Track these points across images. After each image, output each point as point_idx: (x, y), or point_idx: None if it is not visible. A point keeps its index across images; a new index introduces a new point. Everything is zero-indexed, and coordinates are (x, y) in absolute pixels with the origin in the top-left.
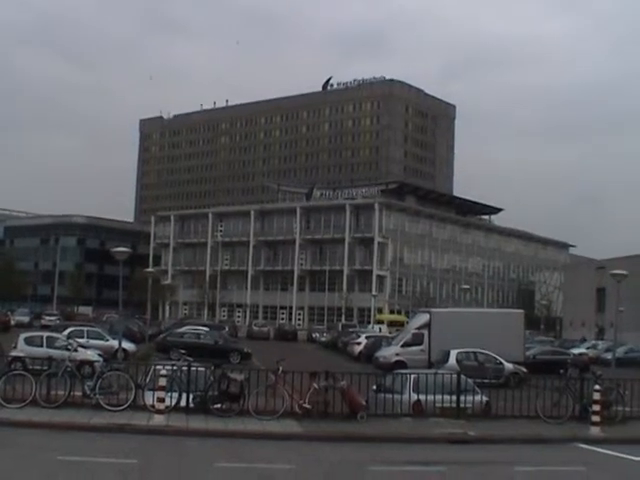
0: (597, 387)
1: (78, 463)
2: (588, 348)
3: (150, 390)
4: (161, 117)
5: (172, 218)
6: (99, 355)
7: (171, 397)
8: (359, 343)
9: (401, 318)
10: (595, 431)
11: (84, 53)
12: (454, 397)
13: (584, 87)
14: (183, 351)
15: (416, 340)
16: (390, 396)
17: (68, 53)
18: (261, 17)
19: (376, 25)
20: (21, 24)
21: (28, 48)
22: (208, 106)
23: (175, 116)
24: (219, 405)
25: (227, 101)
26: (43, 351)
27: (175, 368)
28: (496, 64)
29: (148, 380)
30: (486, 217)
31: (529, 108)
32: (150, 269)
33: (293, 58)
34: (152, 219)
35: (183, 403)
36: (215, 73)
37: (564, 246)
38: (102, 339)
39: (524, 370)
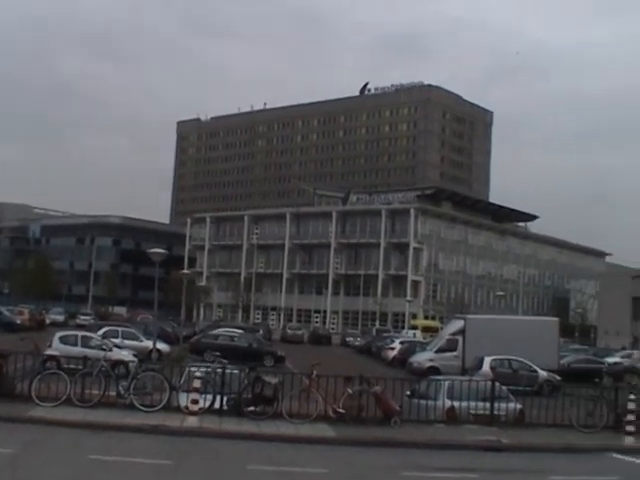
0: (632, 396)
1: (111, 462)
2: (623, 357)
3: (184, 391)
4: (198, 119)
5: (208, 220)
6: (133, 355)
7: (205, 399)
8: (393, 348)
9: (435, 324)
10: (629, 441)
11: (124, 53)
12: (488, 404)
13: (623, 93)
14: (217, 353)
15: (450, 346)
16: (424, 402)
17: (107, 52)
18: (300, 20)
19: (415, 30)
20: (62, 23)
21: (69, 47)
22: (246, 108)
23: (212, 118)
24: (253, 408)
25: (265, 104)
26: (78, 350)
27: (209, 370)
28: (535, 70)
29: (182, 381)
30: (522, 224)
31: (567, 114)
32: (185, 271)
33: (331, 62)
34: (188, 221)
35: (217, 405)
36: (254, 75)
37: (600, 254)
38: (136, 339)
39: (558, 378)
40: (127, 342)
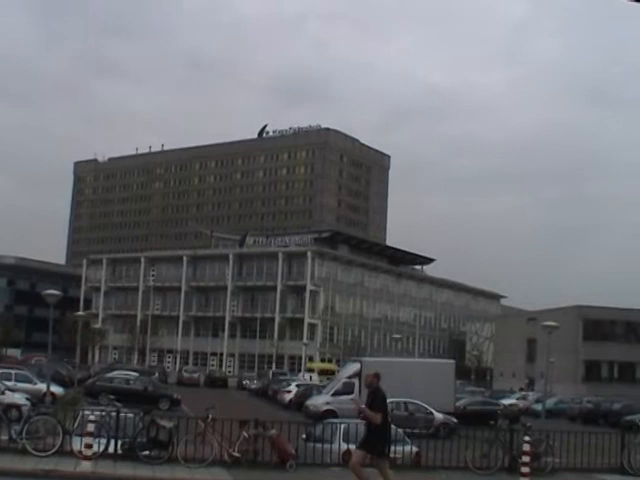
0: (527, 438)
1: None
2: (518, 399)
3: (78, 435)
4: (96, 160)
5: (104, 262)
6: (26, 399)
7: (99, 443)
8: (289, 391)
9: (332, 367)
10: None
11: (19, 91)
12: None
13: (517, 138)
14: (112, 396)
15: (347, 389)
16: (320, 445)
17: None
18: (200, 62)
19: (314, 74)
20: None
21: None
22: (143, 150)
23: (110, 159)
24: (147, 452)
25: (162, 145)
26: None
27: (104, 414)
28: (432, 115)
29: (76, 425)
30: (418, 267)
31: (463, 158)
32: (81, 312)
33: (230, 104)
34: (84, 262)
35: (111, 449)
36: (151, 117)
37: (495, 297)
38: (30, 382)
39: (454, 420)
40: (20, 385)
